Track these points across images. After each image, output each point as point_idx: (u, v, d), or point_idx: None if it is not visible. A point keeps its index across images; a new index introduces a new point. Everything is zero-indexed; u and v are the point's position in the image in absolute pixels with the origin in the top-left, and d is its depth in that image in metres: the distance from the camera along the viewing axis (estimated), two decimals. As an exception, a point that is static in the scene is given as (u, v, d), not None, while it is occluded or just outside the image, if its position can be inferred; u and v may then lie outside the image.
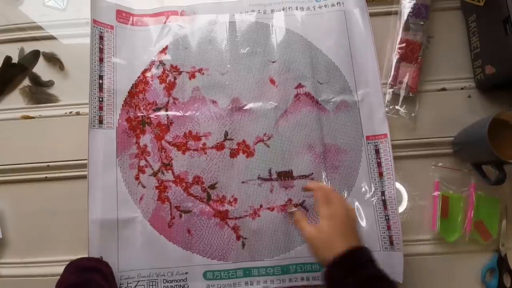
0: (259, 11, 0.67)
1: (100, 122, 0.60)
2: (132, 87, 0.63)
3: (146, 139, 0.61)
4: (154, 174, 0.60)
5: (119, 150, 0.61)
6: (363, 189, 0.60)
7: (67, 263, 0.53)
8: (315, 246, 0.44)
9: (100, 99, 0.61)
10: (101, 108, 0.61)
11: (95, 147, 0.59)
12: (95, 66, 0.62)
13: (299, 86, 0.63)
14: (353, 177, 0.61)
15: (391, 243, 0.58)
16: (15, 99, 0.66)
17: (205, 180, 0.60)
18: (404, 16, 0.64)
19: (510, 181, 0.57)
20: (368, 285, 0.37)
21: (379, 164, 0.61)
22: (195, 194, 0.60)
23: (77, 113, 0.64)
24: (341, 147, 0.62)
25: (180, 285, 0.57)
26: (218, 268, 0.58)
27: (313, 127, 0.62)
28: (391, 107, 0.63)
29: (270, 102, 0.63)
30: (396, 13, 0.66)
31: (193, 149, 0.61)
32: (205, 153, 0.61)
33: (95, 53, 0.62)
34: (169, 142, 0.61)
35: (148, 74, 0.64)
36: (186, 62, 0.64)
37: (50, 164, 0.62)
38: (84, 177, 0.60)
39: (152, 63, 0.64)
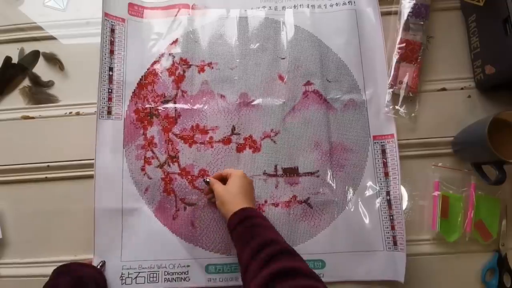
0: (270, 7, 0.67)
1: (109, 113, 0.61)
2: (141, 79, 0.64)
3: (154, 130, 0.62)
4: (161, 166, 0.61)
5: (126, 140, 0.61)
6: (368, 188, 0.61)
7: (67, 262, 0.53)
8: (222, 200, 0.51)
9: (110, 90, 0.62)
10: (110, 99, 0.61)
11: (103, 137, 0.60)
12: (105, 58, 0.62)
13: (308, 83, 0.64)
14: (359, 176, 0.61)
15: (395, 243, 0.58)
16: (15, 99, 0.66)
17: (211, 173, 0.61)
18: (404, 16, 0.64)
19: (510, 181, 0.57)
20: (250, 230, 0.46)
21: (385, 164, 0.61)
22: (200, 187, 0.60)
23: (77, 113, 0.64)
24: (348, 145, 0.62)
25: (182, 278, 0.57)
26: (220, 261, 0.58)
27: (321, 124, 0.62)
28: (391, 107, 0.63)
29: (278, 99, 0.63)
30: (396, 13, 0.66)
31: (200, 143, 0.61)
32: (212, 147, 0.61)
33: (105, 45, 0.62)
34: (176, 135, 0.62)
35: (158, 66, 0.64)
36: (195, 56, 0.65)
37: (50, 164, 0.62)
38: (84, 177, 0.61)
39: (162, 55, 0.65)
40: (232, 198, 0.51)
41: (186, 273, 0.57)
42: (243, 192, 0.52)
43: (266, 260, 0.41)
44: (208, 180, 0.56)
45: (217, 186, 0.54)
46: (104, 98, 0.61)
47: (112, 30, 0.63)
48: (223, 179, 0.56)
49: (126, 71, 0.63)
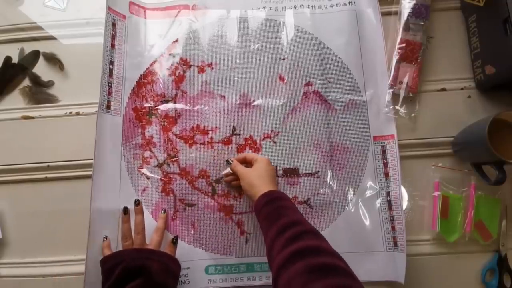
0: (270, 8, 0.67)
1: (108, 107, 0.61)
2: (140, 77, 0.64)
3: (152, 130, 0.62)
4: (159, 166, 0.61)
5: (124, 139, 0.61)
6: (369, 189, 0.61)
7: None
8: (250, 182, 0.53)
9: (110, 84, 0.61)
10: (109, 93, 0.61)
11: (102, 131, 0.59)
12: (107, 51, 0.62)
13: (308, 84, 0.64)
14: (359, 177, 0.61)
15: (395, 244, 0.58)
16: (15, 99, 0.66)
17: (211, 174, 0.61)
18: (404, 16, 0.64)
19: (510, 181, 0.57)
20: (277, 210, 0.47)
21: (385, 165, 0.61)
22: (200, 187, 0.60)
23: (77, 113, 0.64)
24: (348, 146, 0.62)
25: (181, 281, 0.57)
26: (220, 262, 0.58)
27: (321, 125, 0.62)
28: (391, 107, 0.62)
29: (279, 99, 0.63)
30: (396, 13, 0.66)
31: (200, 143, 0.61)
32: (212, 147, 0.61)
33: (107, 38, 0.62)
34: (176, 135, 0.62)
35: (157, 66, 0.64)
36: (196, 56, 0.65)
37: (50, 164, 0.62)
38: (84, 177, 0.61)
39: (162, 55, 0.65)
40: (261, 181, 0.53)
41: (186, 275, 0.57)
42: (269, 177, 0.54)
43: (290, 239, 0.42)
44: (231, 161, 0.57)
45: (242, 168, 0.56)
46: (105, 91, 0.61)
47: (114, 25, 0.64)
48: (244, 163, 0.58)
49: (126, 67, 0.63)
